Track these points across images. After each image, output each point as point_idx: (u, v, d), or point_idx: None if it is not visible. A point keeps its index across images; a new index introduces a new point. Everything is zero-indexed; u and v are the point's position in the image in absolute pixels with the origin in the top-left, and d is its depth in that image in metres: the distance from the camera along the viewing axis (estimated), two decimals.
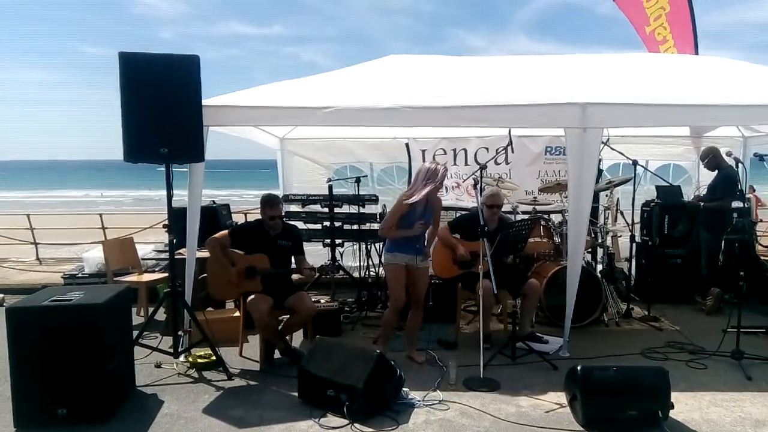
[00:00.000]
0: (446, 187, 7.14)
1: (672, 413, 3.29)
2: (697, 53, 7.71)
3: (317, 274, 4.63)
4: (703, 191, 6.48)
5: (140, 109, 3.84)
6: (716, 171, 5.90)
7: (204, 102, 4.12)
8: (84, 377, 3.29)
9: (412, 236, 4.22)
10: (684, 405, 3.55)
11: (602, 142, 5.89)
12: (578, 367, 3.38)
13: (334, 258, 6.11)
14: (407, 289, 4.39)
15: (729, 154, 5.16)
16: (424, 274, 4.44)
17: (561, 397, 3.61)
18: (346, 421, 3.34)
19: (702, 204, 6.01)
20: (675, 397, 3.31)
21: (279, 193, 7.07)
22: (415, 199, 4.08)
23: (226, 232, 4.44)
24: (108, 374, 3.37)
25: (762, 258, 6.25)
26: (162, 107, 3.85)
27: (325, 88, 4.86)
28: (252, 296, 4.23)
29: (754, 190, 10.12)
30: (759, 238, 7.08)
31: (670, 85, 4.86)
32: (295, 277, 4.76)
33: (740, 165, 5.02)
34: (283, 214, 4.51)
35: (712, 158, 5.87)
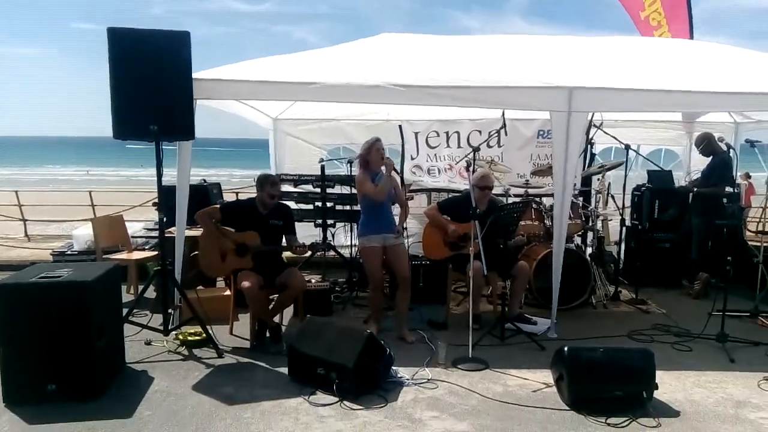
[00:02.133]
0: (438, 169, 7.15)
1: (656, 394, 3.34)
2: (692, 39, 7.70)
3: (308, 252, 4.65)
4: (695, 176, 6.52)
5: (130, 86, 3.78)
6: (711, 157, 5.92)
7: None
8: (73, 354, 3.28)
9: (383, 210, 4.40)
10: (668, 386, 3.62)
11: (595, 126, 5.93)
12: (565, 348, 3.42)
13: (325, 237, 6.11)
14: (392, 271, 4.55)
15: (721, 140, 5.19)
16: (402, 252, 4.53)
17: (548, 377, 3.66)
18: (335, 399, 3.38)
19: (695, 189, 6.04)
20: (660, 377, 3.38)
21: (271, 173, 7.03)
22: (359, 164, 4.49)
23: (216, 206, 4.42)
24: (98, 351, 3.37)
25: (749, 243, 6.32)
26: (152, 84, 3.79)
27: (315, 65, 4.82)
28: (242, 272, 4.24)
29: (749, 177, 10.19)
30: (747, 223, 7.15)
31: (660, 69, 4.86)
32: (286, 254, 4.76)
33: (731, 150, 5.05)
34: (278, 194, 4.49)
35: (707, 144, 5.88)
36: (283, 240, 4.56)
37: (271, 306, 4.48)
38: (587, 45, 5.79)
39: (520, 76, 4.45)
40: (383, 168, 4.36)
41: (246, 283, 4.11)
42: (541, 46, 5.62)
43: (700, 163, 6.47)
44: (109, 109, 3.78)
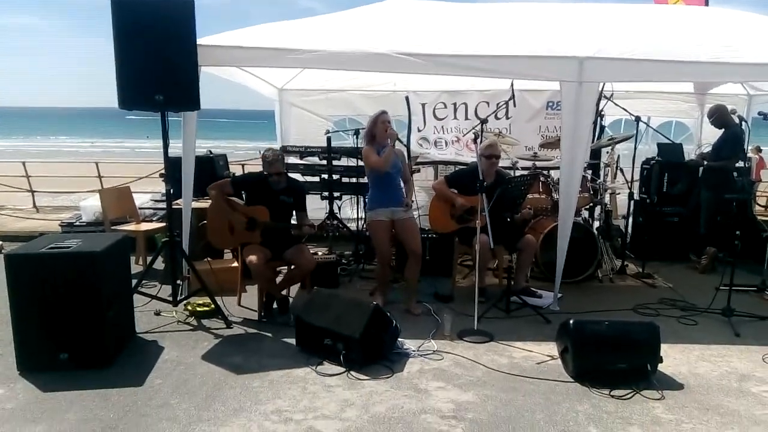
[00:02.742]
0: (445, 141, 7.09)
1: (661, 367, 3.37)
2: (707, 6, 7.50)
3: (315, 231, 4.66)
4: (705, 149, 6.43)
5: (134, 55, 3.74)
6: (722, 129, 5.83)
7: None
8: (84, 323, 3.33)
9: (391, 182, 4.38)
10: (673, 359, 3.64)
11: (606, 97, 5.83)
12: (571, 321, 3.44)
13: (332, 211, 6.11)
14: (400, 245, 4.54)
15: (733, 112, 5.10)
16: (412, 225, 4.51)
17: (553, 350, 3.69)
18: (342, 369, 3.43)
19: (705, 163, 5.96)
20: (665, 351, 3.39)
21: (277, 144, 7.00)
22: (365, 138, 4.46)
23: (227, 179, 4.42)
24: (108, 320, 3.42)
25: (759, 218, 6.28)
26: (156, 53, 3.75)
27: (321, 31, 4.74)
28: (249, 245, 4.26)
29: (760, 151, 10.05)
30: (757, 198, 7.08)
31: (673, 39, 4.74)
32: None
33: (744, 123, 4.96)
34: (283, 170, 4.42)
35: (719, 116, 5.78)
36: (293, 218, 4.56)
37: (279, 279, 4.52)
38: (599, 12, 5.64)
39: (530, 45, 4.37)
40: (388, 140, 4.33)
41: (252, 258, 4.13)
42: (551, 14, 5.49)
43: (711, 135, 6.38)
44: (113, 79, 3.76)
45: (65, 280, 3.28)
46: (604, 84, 5.54)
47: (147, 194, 7.21)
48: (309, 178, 6.22)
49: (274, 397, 3.13)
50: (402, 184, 4.51)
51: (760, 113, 4.93)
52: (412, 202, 4.64)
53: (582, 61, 4.13)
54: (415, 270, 4.51)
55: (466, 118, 6.92)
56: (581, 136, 4.36)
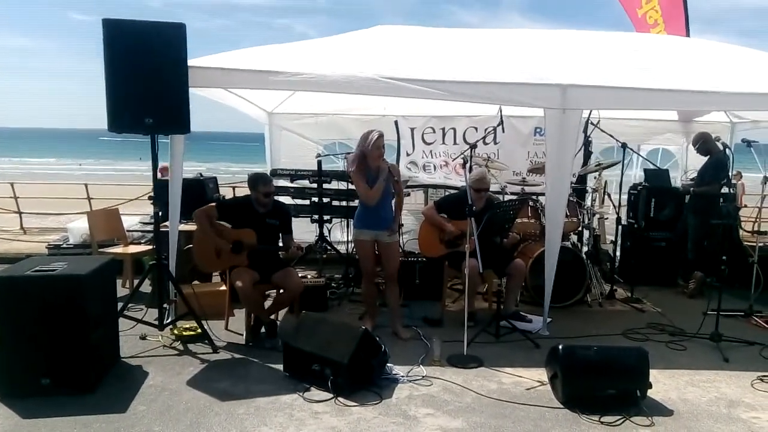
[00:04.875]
0: (434, 166, 7.14)
1: (650, 392, 3.35)
2: (688, 37, 7.69)
3: (303, 253, 4.65)
4: (691, 175, 6.52)
5: (125, 78, 3.75)
6: (707, 156, 5.93)
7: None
8: (67, 348, 3.27)
9: (378, 208, 4.32)
10: (662, 385, 3.63)
11: (592, 124, 5.92)
12: (560, 346, 3.43)
13: (322, 234, 6.10)
14: (382, 266, 4.53)
15: (717, 140, 5.20)
16: (394, 250, 4.52)
17: (542, 375, 3.67)
18: (330, 395, 3.38)
19: (691, 189, 6.04)
20: (654, 376, 3.39)
21: (267, 167, 7.02)
22: (352, 163, 4.30)
23: (213, 204, 4.41)
24: (92, 345, 3.36)
25: (744, 243, 6.34)
26: (147, 76, 3.76)
27: (309, 55, 4.76)
28: (236, 269, 4.23)
29: (741, 177, 10.21)
30: (743, 223, 7.16)
31: (657, 68, 4.85)
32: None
33: (727, 150, 5.06)
34: (272, 189, 4.47)
35: (703, 143, 5.88)
36: (280, 240, 4.55)
37: (267, 303, 4.48)
38: (583, 40, 5.77)
39: (514, 72, 4.42)
40: (381, 168, 4.27)
41: (239, 282, 4.10)
42: (536, 41, 5.61)
43: (696, 162, 6.48)
44: (104, 101, 3.76)
45: (50, 304, 3.23)
46: (591, 111, 5.63)
47: (136, 216, 7.17)
48: (299, 201, 6.23)
49: (260, 424, 3.08)
50: (392, 201, 4.44)
51: (743, 140, 5.03)
52: (401, 225, 4.63)
53: (565, 89, 4.18)
54: (392, 292, 4.52)
55: (455, 143, 7.00)
56: (565, 162, 4.40)
